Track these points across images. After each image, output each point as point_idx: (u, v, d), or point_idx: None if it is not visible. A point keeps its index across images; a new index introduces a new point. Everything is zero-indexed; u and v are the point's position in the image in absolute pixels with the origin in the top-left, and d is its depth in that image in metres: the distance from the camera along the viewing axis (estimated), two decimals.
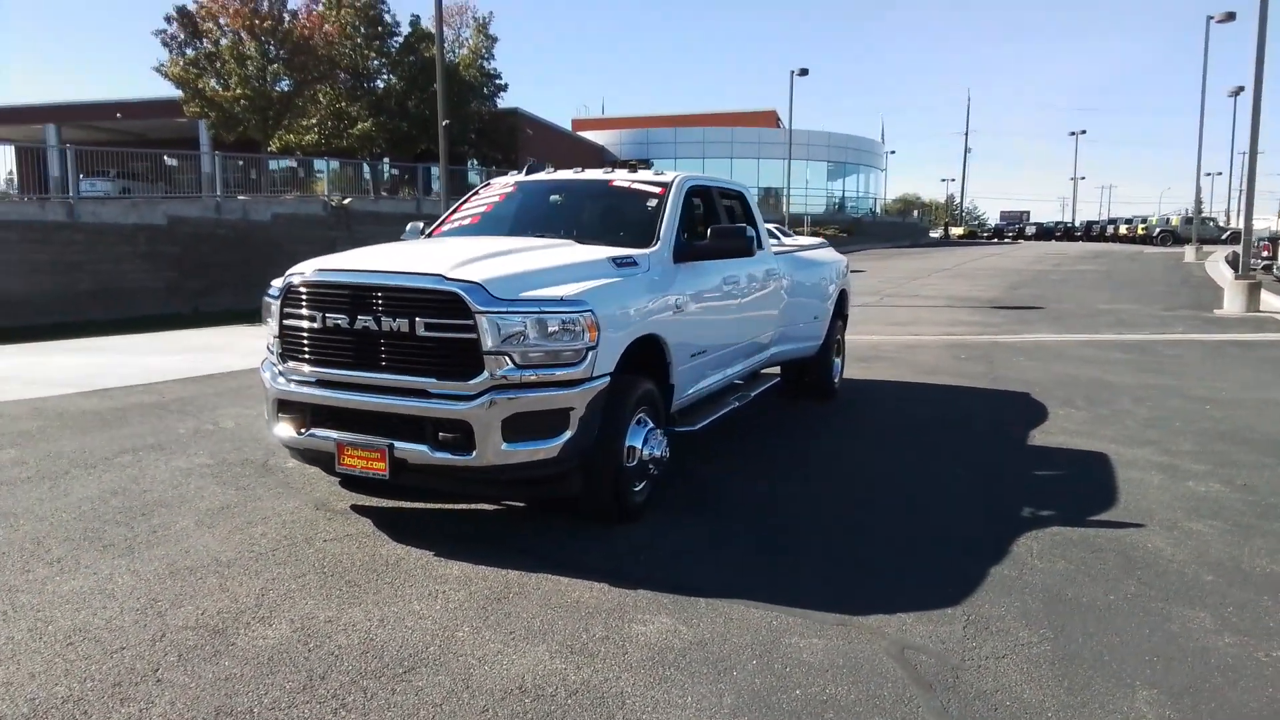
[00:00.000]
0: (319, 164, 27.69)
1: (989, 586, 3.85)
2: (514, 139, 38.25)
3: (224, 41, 26.09)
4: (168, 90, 28.18)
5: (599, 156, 51.37)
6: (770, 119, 54.21)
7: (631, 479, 4.44)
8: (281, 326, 4.24)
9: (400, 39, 32.17)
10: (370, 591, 3.63)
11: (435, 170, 29.99)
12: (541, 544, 4.22)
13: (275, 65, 26.57)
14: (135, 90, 28.88)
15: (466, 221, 5.66)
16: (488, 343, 3.81)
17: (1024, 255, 41.34)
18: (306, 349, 4.19)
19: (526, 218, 5.56)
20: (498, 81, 36.65)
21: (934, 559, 4.18)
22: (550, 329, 3.90)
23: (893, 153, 67.52)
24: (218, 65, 26.44)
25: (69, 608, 3.43)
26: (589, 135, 52.49)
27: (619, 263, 4.55)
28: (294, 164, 27.65)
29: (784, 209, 44.52)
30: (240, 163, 25.13)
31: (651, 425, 4.61)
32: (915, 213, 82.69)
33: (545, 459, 4.00)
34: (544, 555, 4.06)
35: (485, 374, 3.84)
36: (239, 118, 26.75)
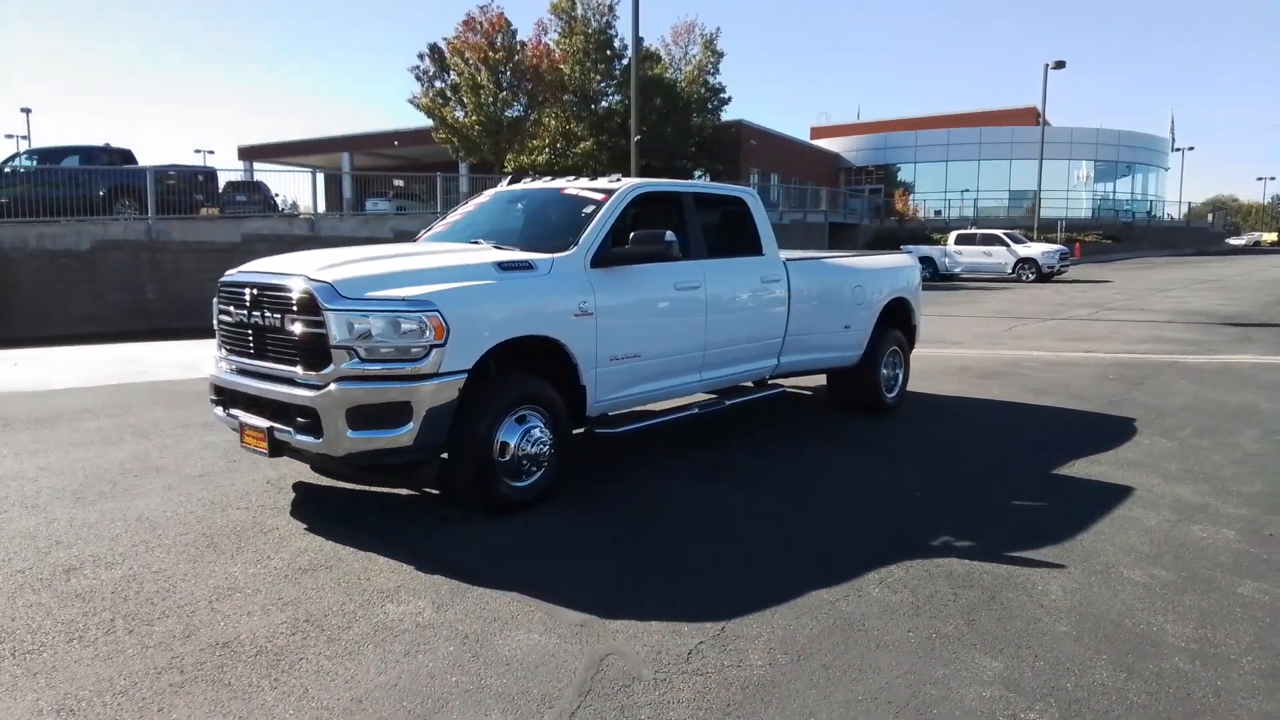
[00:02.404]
0: None
1: (789, 607, 3.62)
2: (736, 150, 38.62)
3: (464, 73, 28.90)
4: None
5: (832, 164, 50.37)
6: (1029, 117, 49.87)
7: (505, 473, 4.63)
8: (216, 319, 4.93)
9: (626, 60, 33.74)
10: (219, 552, 4.16)
11: None
12: (405, 531, 4.53)
13: (504, 93, 28.99)
14: (410, 120, 32.68)
15: (441, 228, 6.12)
16: (334, 337, 4.21)
17: None
18: (225, 339, 4.86)
19: (484, 224, 5.90)
20: (721, 95, 37.20)
21: (775, 575, 3.97)
22: (392, 326, 4.22)
23: (1190, 149, 58.96)
24: (459, 95, 29.35)
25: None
26: (824, 143, 51.54)
27: (505, 267, 4.76)
28: None
29: (1036, 213, 40.92)
30: (483, 183, 27.76)
31: (539, 424, 4.77)
32: (1210, 216, 71.96)
33: (394, 447, 4.32)
34: (395, 541, 4.36)
35: (333, 365, 4.24)
36: (476, 142, 29.51)
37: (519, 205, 6.06)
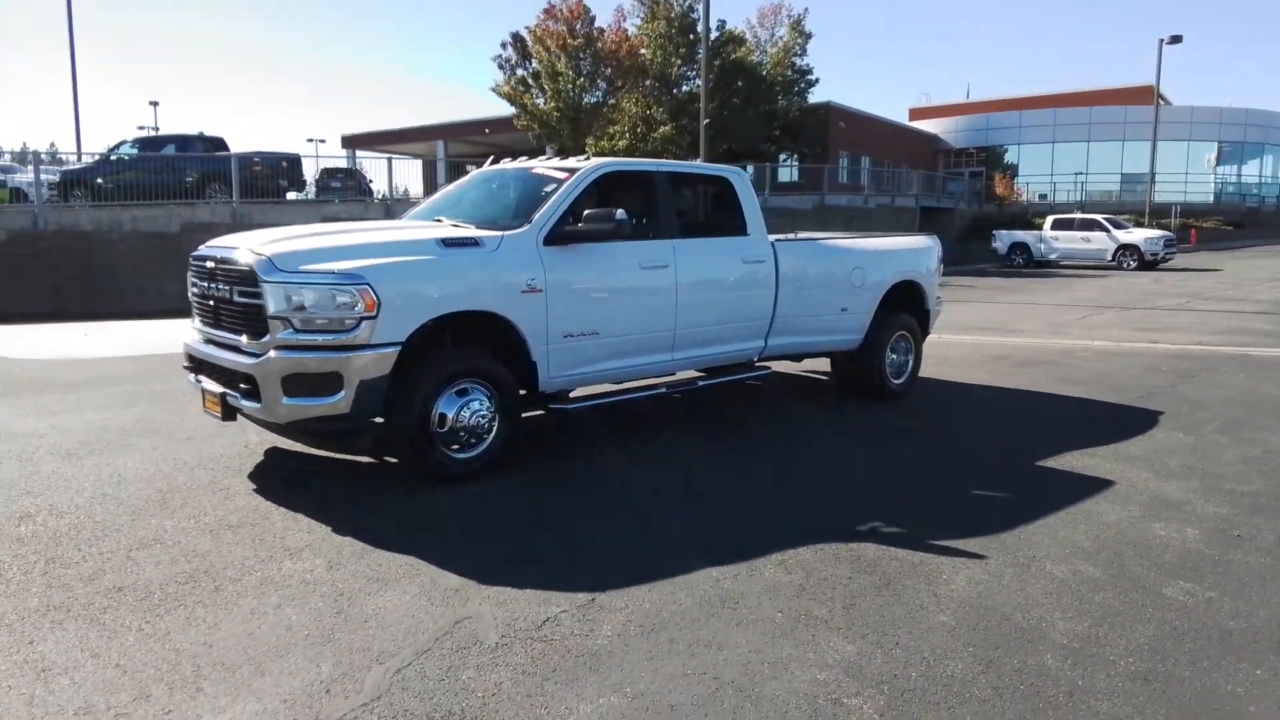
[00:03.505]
0: None
1: (671, 583, 3.62)
2: (824, 133, 37.78)
3: (544, 61, 29.29)
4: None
5: (930, 145, 48.68)
6: (1145, 95, 46.80)
7: (443, 443, 4.76)
8: (189, 290, 5.23)
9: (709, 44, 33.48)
10: (164, 507, 4.43)
11: (753, 169, 30.90)
12: (344, 495, 4.71)
13: (582, 79, 29.23)
14: (500, 109, 33.36)
15: (424, 206, 6.28)
16: (270, 307, 4.41)
17: None
18: (196, 310, 5.15)
19: (456, 203, 6.03)
20: (809, 77, 36.45)
21: (677, 554, 3.95)
22: (324, 298, 4.39)
23: None
24: (540, 82, 29.77)
25: None
26: (923, 125, 49.77)
27: (449, 243, 4.86)
28: None
29: (1149, 198, 38.53)
30: None
31: (481, 397, 4.87)
32: None
33: (330, 414, 4.50)
34: (330, 503, 4.54)
35: (270, 335, 4.45)
36: (555, 128, 29.90)
37: (493, 185, 6.16)
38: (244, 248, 4.66)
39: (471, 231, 5.10)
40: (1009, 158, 48.93)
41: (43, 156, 21.80)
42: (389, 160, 21.71)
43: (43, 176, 21.17)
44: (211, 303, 4.91)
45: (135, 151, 20.06)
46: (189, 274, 5.20)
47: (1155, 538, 4.24)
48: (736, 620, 3.31)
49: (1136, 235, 28.08)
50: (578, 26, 29.13)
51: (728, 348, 6.34)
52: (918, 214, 35.18)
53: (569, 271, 5.22)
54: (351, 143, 49.69)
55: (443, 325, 4.89)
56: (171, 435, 5.84)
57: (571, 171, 5.56)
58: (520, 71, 30.46)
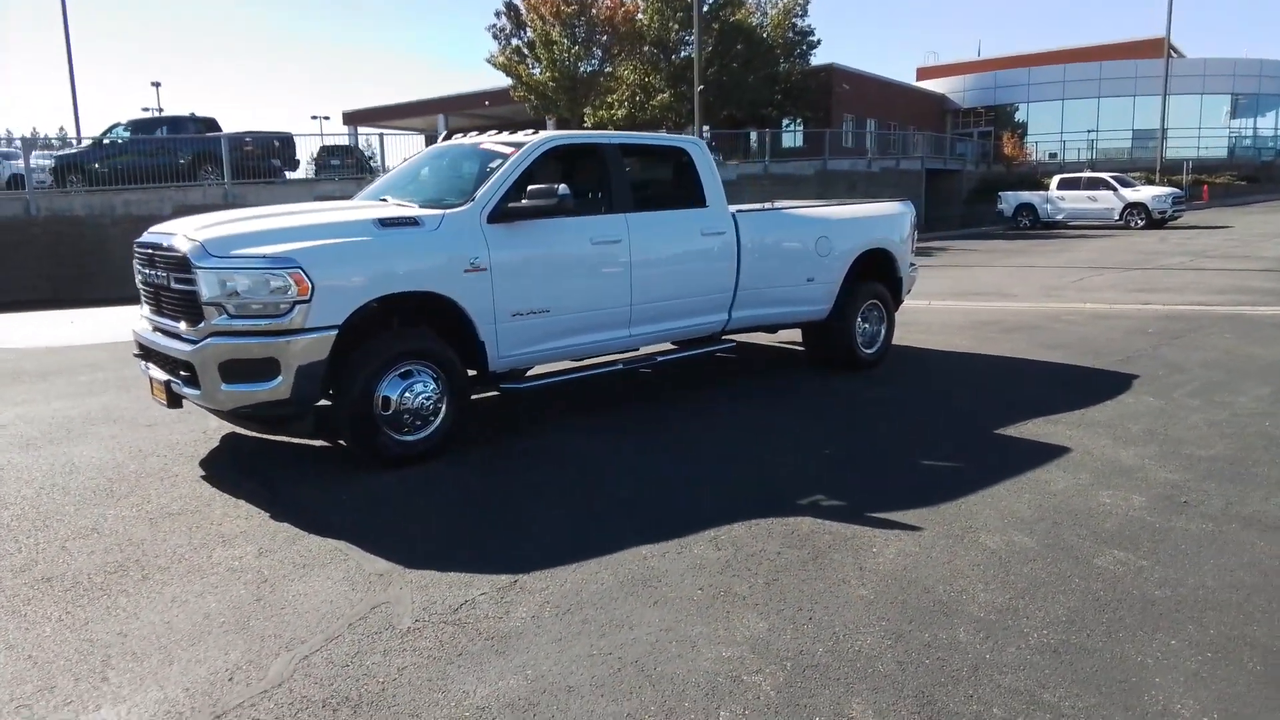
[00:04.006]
0: None
1: (597, 562, 3.61)
2: (828, 96, 37.25)
3: (539, 29, 28.94)
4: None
5: (938, 106, 47.97)
6: (1156, 49, 45.81)
7: (387, 426, 4.75)
8: (135, 277, 5.22)
9: (707, 6, 32.94)
10: (109, 496, 4.45)
11: (753, 135, 30.59)
12: (289, 480, 4.72)
13: (577, 47, 28.89)
14: (498, 81, 33.03)
15: (375, 185, 6.23)
16: (203, 293, 4.40)
17: None
18: (141, 297, 5.14)
19: (404, 181, 5.98)
20: (810, 39, 35.86)
21: (609, 532, 3.94)
22: (256, 283, 4.37)
23: None
24: (535, 52, 29.46)
25: None
26: (930, 85, 48.98)
27: (387, 223, 4.82)
28: None
29: (1159, 154, 37.87)
30: None
31: (427, 378, 4.85)
32: None
33: (270, 400, 4.50)
34: (274, 489, 4.56)
35: (205, 321, 4.44)
36: (551, 98, 29.64)
37: (443, 161, 6.09)
38: (180, 234, 4.64)
39: (411, 211, 5.06)
40: (1019, 116, 48.15)
41: (47, 141, 21.84)
42: (380, 137, 21.55)
43: (41, 161, 21.26)
44: (153, 290, 4.90)
45: (128, 135, 20.03)
46: (134, 261, 5.19)
47: (1099, 506, 4.19)
48: (654, 599, 3.30)
49: (1144, 193, 27.62)
50: None
51: (689, 322, 6.28)
52: (923, 177, 34.72)
53: (515, 249, 5.17)
54: (353, 119, 49.49)
55: (390, 307, 4.88)
56: (132, 422, 5.87)
57: (518, 146, 5.49)
58: (515, 41, 30.13)
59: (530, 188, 5.15)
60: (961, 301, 11.85)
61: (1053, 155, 44.37)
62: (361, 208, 5.29)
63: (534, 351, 5.42)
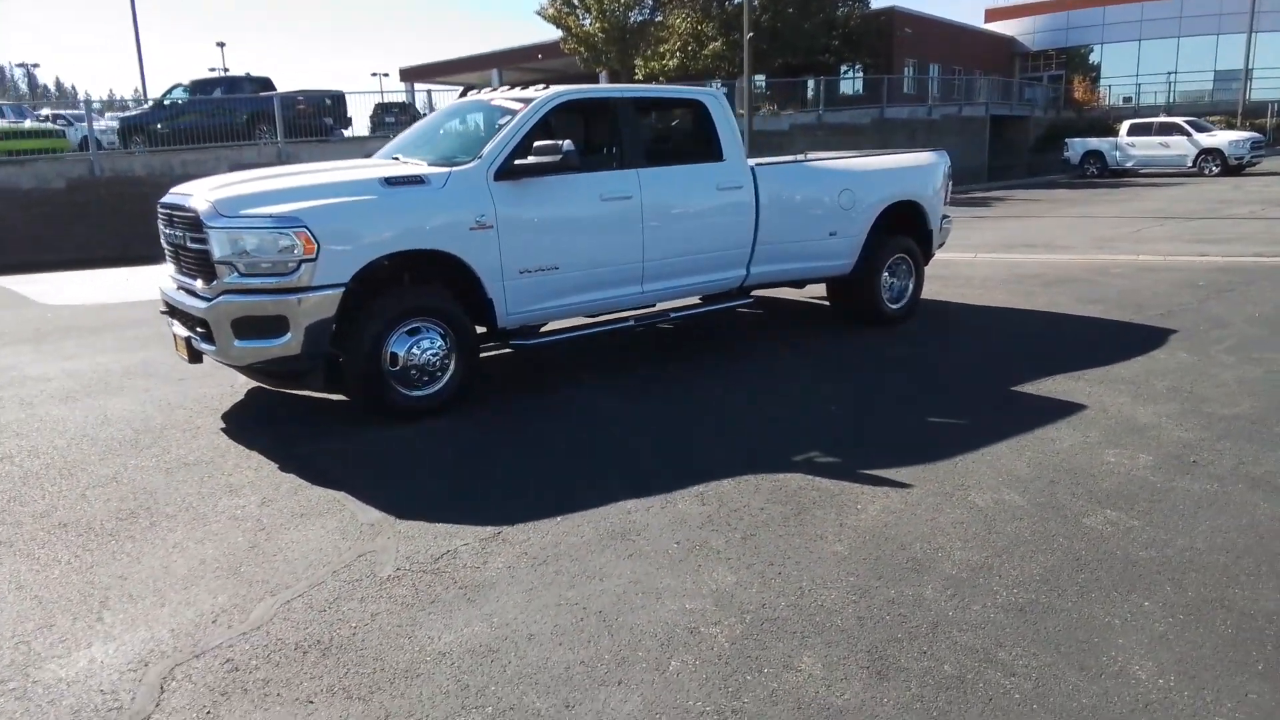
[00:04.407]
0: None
1: (581, 515, 3.68)
2: (889, 41, 36.01)
3: None
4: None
5: (1006, 49, 46.01)
6: None
7: (396, 382, 4.87)
8: (160, 237, 5.40)
9: None
10: (134, 447, 4.67)
11: (811, 83, 29.81)
12: (304, 433, 4.89)
13: None
14: (552, 34, 32.71)
15: (390, 144, 6.28)
16: (215, 252, 4.54)
17: None
18: (166, 256, 5.33)
19: (418, 139, 6.03)
20: None
21: (598, 485, 4.00)
22: (264, 242, 4.49)
23: None
24: (586, 2, 29.10)
25: None
26: (998, 27, 46.93)
27: (392, 182, 4.88)
28: None
29: (1243, 95, 35.80)
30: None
31: (435, 335, 4.95)
32: None
33: (282, 355, 4.64)
34: (289, 442, 4.73)
35: (218, 280, 4.59)
36: (601, 50, 29.31)
37: (456, 119, 6.12)
38: (196, 194, 4.78)
39: (418, 169, 5.11)
40: (1092, 59, 45.91)
41: (111, 103, 22.48)
42: (429, 93, 21.64)
43: (106, 124, 21.97)
44: (174, 249, 5.08)
45: (187, 96, 20.52)
46: (158, 221, 5.37)
47: (1102, 464, 4.09)
48: (630, 552, 3.36)
49: (1220, 138, 26.21)
50: None
51: (705, 278, 6.25)
52: (987, 123, 33.53)
53: (522, 206, 5.19)
54: (410, 75, 49.74)
55: (400, 264, 4.97)
56: (166, 377, 6.12)
57: (527, 103, 5.48)
58: None
59: (536, 144, 5.15)
60: (1008, 254, 11.50)
61: (1127, 100, 42.29)
62: (371, 166, 5.36)
63: (544, 308, 5.47)
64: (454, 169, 5.09)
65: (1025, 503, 3.70)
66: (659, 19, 30.14)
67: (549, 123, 5.48)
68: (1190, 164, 26.32)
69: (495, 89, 6.07)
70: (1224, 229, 13.21)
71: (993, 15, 50.51)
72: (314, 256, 4.51)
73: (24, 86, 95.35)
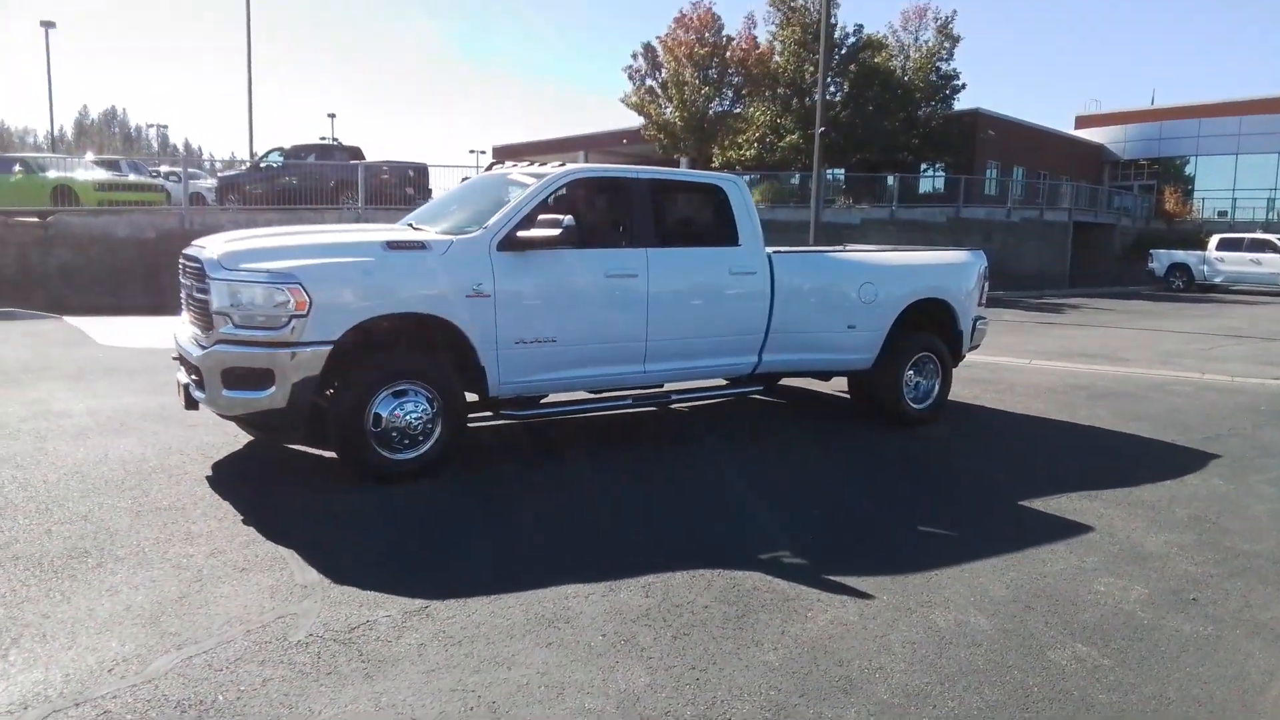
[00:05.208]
0: (747, 178, 29.74)
1: (516, 597, 3.55)
2: (970, 141, 35.92)
3: (672, 70, 29.45)
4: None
5: (1096, 156, 45.37)
6: None
7: (378, 443, 4.87)
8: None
9: (845, 49, 32.59)
10: (118, 488, 4.75)
11: (890, 179, 29.93)
12: (281, 487, 4.92)
13: (707, 89, 29.16)
14: (637, 121, 33.74)
15: (418, 210, 6.45)
16: (214, 303, 4.68)
17: None
18: (182, 304, 5.52)
19: (441, 207, 6.18)
20: (955, 83, 34.80)
21: (551, 568, 3.87)
22: (258, 295, 4.60)
23: None
24: (667, 91, 29.97)
25: None
26: (1088, 134, 46.38)
27: (394, 246, 4.98)
28: None
29: None
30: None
31: (421, 399, 4.96)
32: None
33: (269, 408, 4.71)
34: (264, 494, 4.78)
35: (214, 330, 4.71)
36: (680, 138, 30.00)
37: (474, 190, 6.26)
38: (209, 246, 4.97)
39: (422, 235, 5.22)
40: (1187, 170, 44.83)
41: (209, 162, 23.89)
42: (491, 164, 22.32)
43: (208, 182, 23.41)
44: (187, 297, 5.26)
45: (281, 160, 21.72)
46: (179, 271, 5.58)
47: (1089, 593, 3.77)
48: (550, 640, 3.21)
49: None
50: (706, 35, 29.11)
51: (714, 362, 6.15)
52: (1070, 229, 32.82)
53: (522, 278, 5.23)
54: (502, 154, 51.87)
55: (398, 326, 5.03)
56: (180, 422, 6.26)
57: (540, 178, 5.57)
58: (649, 82, 30.75)
59: (540, 218, 5.21)
60: (1064, 363, 11.05)
61: (1221, 214, 40.95)
62: (383, 231, 5.50)
63: (539, 380, 5.45)
64: (458, 237, 5.18)
65: (990, 627, 3.42)
66: (737, 110, 30.77)
67: (560, 199, 5.55)
68: None
69: (517, 165, 6.20)
70: None
71: (1083, 122, 50.07)
72: (305, 313, 4.60)
73: (155, 145, 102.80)
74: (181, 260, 5.34)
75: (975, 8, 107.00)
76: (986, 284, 7.60)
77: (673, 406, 6.97)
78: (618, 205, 5.86)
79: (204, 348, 4.79)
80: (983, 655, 3.19)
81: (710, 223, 6.22)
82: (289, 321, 4.60)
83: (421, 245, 5.06)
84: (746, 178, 30.27)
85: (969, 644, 3.28)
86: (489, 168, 6.71)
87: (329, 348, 4.70)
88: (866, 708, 2.82)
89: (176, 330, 5.65)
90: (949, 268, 7.21)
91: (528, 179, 5.66)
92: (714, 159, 31.16)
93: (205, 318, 4.83)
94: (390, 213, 20.34)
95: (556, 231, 5.09)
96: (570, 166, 5.73)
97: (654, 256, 5.74)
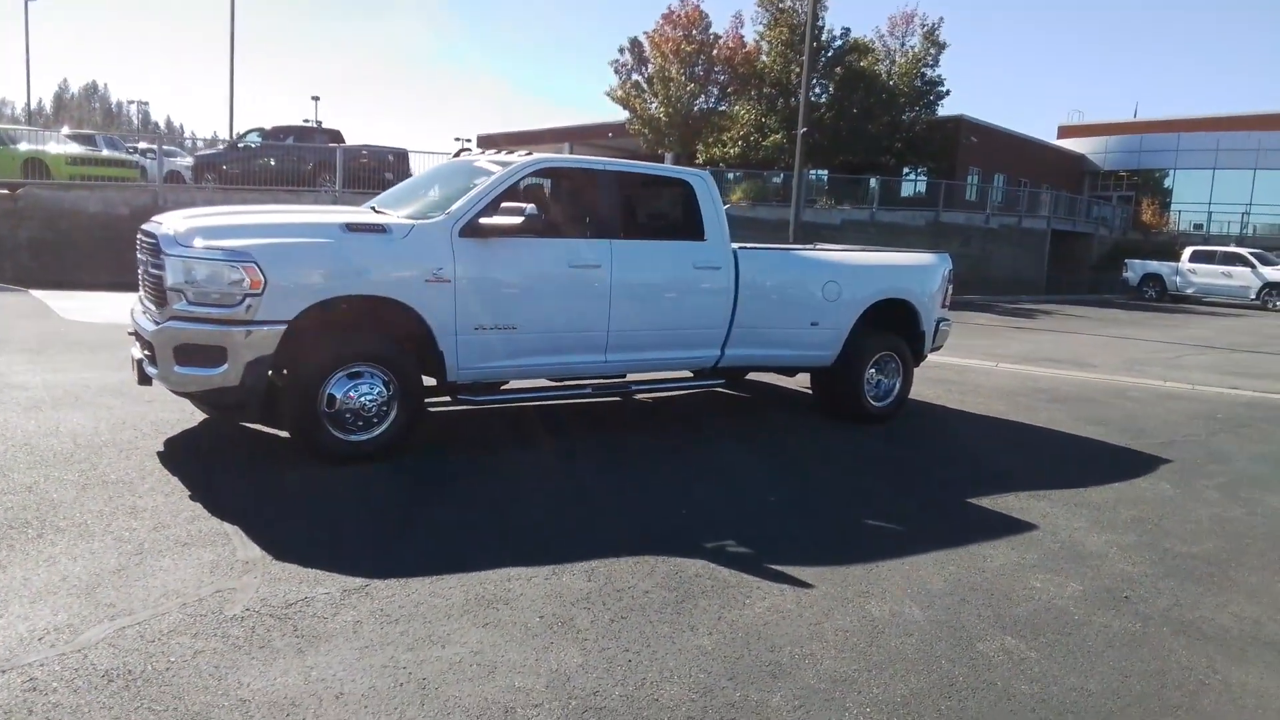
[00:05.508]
0: (730, 175, 29.79)
1: (458, 578, 3.57)
2: (952, 147, 36.16)
3: (658, 66, 29.45)
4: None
5: (1076, 165, 45.81)
6: None
7: (331, 424, 4.87)
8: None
9: (832, 52, 32.70)
10: (67, 461, 4.72)
11: (873, 182, 30.10)
12: (234, 464, 4.91)
13: (692, 85, 29.19)
14: (622, 115, 33.68)
15: (385, 194, 6.43)
16: (168, 280, 4.65)
17: None
18: (139, 280, 5.48)
19: (407, 192, 6.15)
20: (939, 89, 34.99)
21: (492, 550, 3.89)
22: (213, 273, 4.58)
23: None
24: (653, 87, 29.96)
25: None
26: (1069, 144, 46.82)
27: (353, 228, 4.96)
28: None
29: None
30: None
31: (377, 382, 4.95)
32: None
33: (221, 386, 4.69)
34: (215, 471, 4.76)
35: (168, 306, 4.68)
36: (664, 134, 30.01)
37: (442, 176, 6.23)
38: (166, 223, 4.93)
39: (383, 218, 5.20)
40: (1166, 183, 45.39)
41: (184, 140, 23.60)
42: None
43: (186, 160, 23.18)
44: (142, 273, 5.22)
45: (260, 140, 21.53)
46: (136, 246, 5.53)
47: (1024, 589, 3.84)
48: (487, 620, 3.23)
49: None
50: (694, 32, 29.13)
51: (675, 354, 6.18)
52: (1048, 236, 33.18)
53: (483, 264, 5.23)
54: (486, 143, 51.68)
55: (358, 308, 5.02)
56: (136, 398, 6.23)
57: (506, 165, 5.57)
58: (635, 76, 30.73)
59: (503, 205, 5.21)
60: (1030, 367, 11.17)
61: (1198, 226, 41.52)
62: (343, 213, 5.48)
63: (498, 366, 5.45)
64: (420, 222, 5.17)
65: (923, 618, 3.47)
66: (723, 108, 30.81)
67: (527, 188, 5.56)
68: (1254, 296, 25.59)
69: (484, 152, 6.20)
70: (1266, 364, 12.70)
71: (1066, 132, 50.52)
72: (259, 292, 4.58)
73: (136, 122, 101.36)
74: (139, 235, 5.29)
75: (964, 17, 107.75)
76: (951, 287, 7.68)
77: (636, 397, 7.01)
78: (583, 196, 5.87)
79: (158, 323, 4.76)
80: (913, 645, 3.25)
81: (676, 217, 6.25)
82: (243, 300, 4.58)
83: (381, 228, 5.05)
84: (729, 175, 30.55)
85: (901, 633, 3.33)
86: (457, 154, 6.69)
87: (283, 327, 4.68)
88: (793, 691, 2.86)
89: (133, 306, 5.61)
90: (913, 270, 7.27)
91: (494, 166, 5.66)
92: (698, 155, 31.19)
93: (160, 294, 4.80)
94: (367, 196, 20.09)
95: (519, 219, 5.10)
96: (536, 155, 5.74)
97: (618, 248, 5.75)
